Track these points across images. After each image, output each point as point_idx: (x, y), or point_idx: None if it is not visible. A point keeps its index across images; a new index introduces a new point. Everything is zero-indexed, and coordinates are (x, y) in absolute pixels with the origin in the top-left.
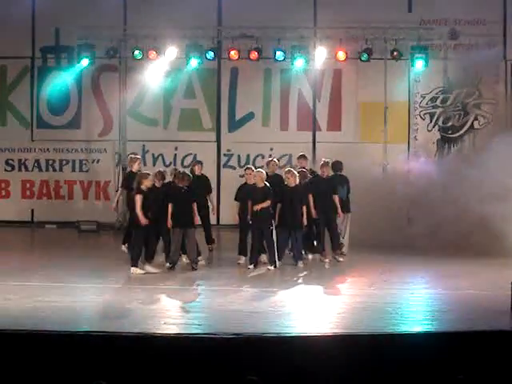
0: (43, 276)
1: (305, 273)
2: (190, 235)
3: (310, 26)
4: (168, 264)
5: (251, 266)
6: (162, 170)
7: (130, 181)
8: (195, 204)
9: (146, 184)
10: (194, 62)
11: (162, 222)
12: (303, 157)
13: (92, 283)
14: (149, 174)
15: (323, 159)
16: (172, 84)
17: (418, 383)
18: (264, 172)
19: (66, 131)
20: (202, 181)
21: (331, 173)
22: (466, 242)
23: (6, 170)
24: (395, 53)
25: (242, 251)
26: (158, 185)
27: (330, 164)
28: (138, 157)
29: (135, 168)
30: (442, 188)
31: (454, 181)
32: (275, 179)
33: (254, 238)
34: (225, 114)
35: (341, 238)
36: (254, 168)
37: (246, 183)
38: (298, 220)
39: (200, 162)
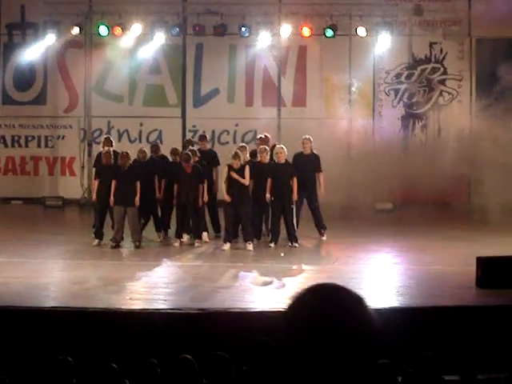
0: (10, 252)
1: (269, 250)
2: (129, 214)
3: (275, 2)
4: (112, 243)
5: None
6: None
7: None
8: (138, 183)
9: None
10: (159, 38)
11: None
12: (204, 137)
13: (58, 259)
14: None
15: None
16: (137, 60)
17: (383, 359)
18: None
19: (31, 107)
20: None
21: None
22: (431, 217)
23: None
24: (360, 29)
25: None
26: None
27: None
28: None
29: None
30: (408, 163)
31: (419, 155)
32: (208, 155)
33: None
34: (190, 90)
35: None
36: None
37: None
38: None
39: (204, 137)
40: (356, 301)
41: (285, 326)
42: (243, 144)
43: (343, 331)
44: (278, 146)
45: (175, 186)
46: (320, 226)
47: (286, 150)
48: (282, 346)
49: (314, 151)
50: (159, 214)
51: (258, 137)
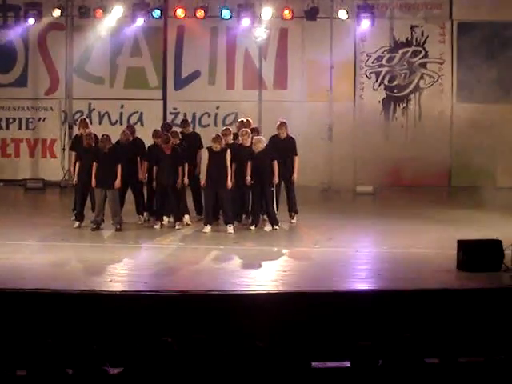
0: None
1: (250, 232)
2: (110, 197)
3: None
4: (92, 225)
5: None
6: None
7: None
8: (119, 166)
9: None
10: (140, 21)
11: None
12: (186, 122)
13: (38, 241)
14: None
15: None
16: (118, 42)
17: (361, 341)
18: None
19: (12, 89)
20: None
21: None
22: (412, 200)
23: None
24: (341, 12)
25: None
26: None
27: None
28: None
29: None
30: (389, 146)
31: (400, 138)
32: (192, 138)
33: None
34: (171, 72)
35: None
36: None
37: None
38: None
39: (186, 121)
40: None
41: None
42: (227, 127)
43: None
44: (256, 137)
45: (155, 168)
46: (292, 210)
47: (264, 139)
48: None
49: (290, 134)
50: (141, 196)
51: (239, 120)
